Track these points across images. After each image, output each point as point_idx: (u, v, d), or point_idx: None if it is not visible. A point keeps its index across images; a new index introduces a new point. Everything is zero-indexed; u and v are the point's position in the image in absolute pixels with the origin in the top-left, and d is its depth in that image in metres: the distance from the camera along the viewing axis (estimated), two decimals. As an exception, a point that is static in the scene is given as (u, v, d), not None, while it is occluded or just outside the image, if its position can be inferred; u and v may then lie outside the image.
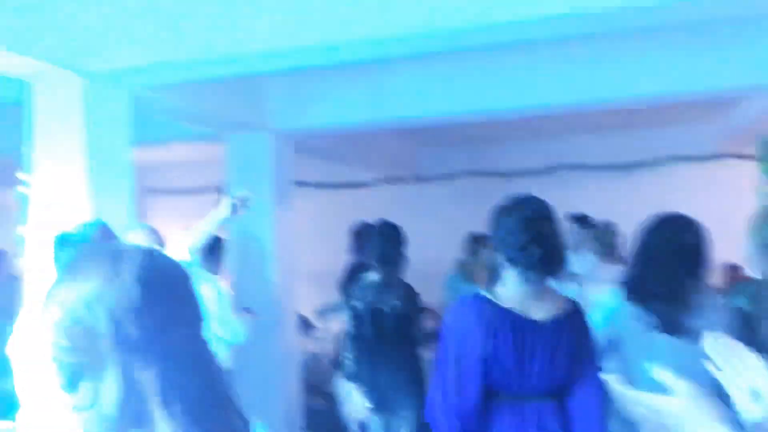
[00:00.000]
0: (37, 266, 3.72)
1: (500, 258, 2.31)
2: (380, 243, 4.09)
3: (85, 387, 0.82)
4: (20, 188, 4.04)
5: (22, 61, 3.52)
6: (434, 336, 2.74)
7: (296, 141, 6.04)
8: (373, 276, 4.03)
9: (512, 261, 2.26)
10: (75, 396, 0.83)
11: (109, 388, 0.80)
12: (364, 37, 3.40)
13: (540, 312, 2.27)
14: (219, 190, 6.05)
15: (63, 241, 2.56)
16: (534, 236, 2.23)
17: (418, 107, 5.28)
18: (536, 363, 2.22)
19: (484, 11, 3.14)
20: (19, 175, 4.02)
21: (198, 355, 0.88)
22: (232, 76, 4.19)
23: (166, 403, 0.81)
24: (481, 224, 3.06)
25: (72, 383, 0.83)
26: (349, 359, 3.95)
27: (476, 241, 6.26)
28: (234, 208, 3.86)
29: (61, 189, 3.82)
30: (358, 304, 3.97)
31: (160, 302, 0.85)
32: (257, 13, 3.52)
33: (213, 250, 4.31)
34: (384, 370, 3.93)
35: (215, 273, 4.41)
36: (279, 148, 5.78)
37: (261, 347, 5.23)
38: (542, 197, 2.37)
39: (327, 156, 7.43)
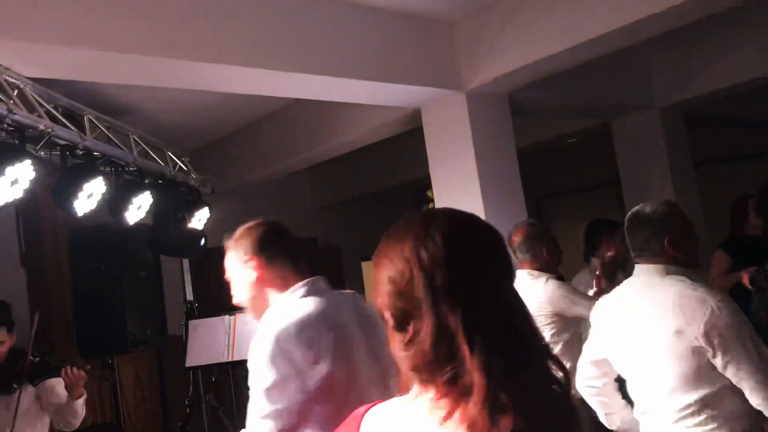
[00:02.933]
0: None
1: None
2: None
3: (410, 327, 0.96)
4: (430, 206, 4.50)
5: (412, 91, 3.94)
6: None
7: (687, 115, 5.52)
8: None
9: None
10: (404, 335, 0.97)
11: (426, 328, 0.94)
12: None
13: None
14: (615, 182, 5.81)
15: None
16: None
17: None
18: None
19: None
20: (428, 193, 4.48)
21: (501, 301, 0.98)
22: (612, 52, 3.95)
23: (469, 339, 0.92)
24: None
25: (401, 324, 0.98)
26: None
27: None
28: None
29: (458, 199, 4.13)
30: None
31: (463, 256, 0.98)
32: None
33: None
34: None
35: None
36: (668, 125, 5.35)
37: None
38: None
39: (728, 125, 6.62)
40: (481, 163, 4.05)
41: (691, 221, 2.24)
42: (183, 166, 4.26)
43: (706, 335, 1.91)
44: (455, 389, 0.92)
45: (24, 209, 5.03)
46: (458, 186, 4.15)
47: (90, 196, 3.04)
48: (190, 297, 4.54)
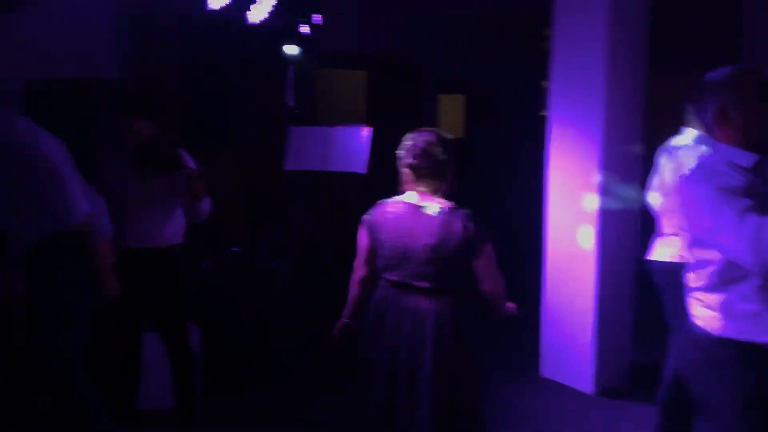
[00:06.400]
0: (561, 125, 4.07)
1: None
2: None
3: None
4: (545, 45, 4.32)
5: None
6: None
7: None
8: None
9: None
10: None
11: None
12: None
13: None
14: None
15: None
16: None
17: None
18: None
19: None
20: (545, 30, 4.27)
21: None
22: None
23: None
24: None
25: None
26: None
27: None
28: None
29: (579, 41, 3.95)
30: None
31: None
32: None
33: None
34: None
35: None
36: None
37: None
38: None
39: None
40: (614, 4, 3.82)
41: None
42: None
43: None
44: None
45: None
46: (582, 27, 3.95)
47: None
48: (291, 103, 4.57)
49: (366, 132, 4.32)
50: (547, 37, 4.31)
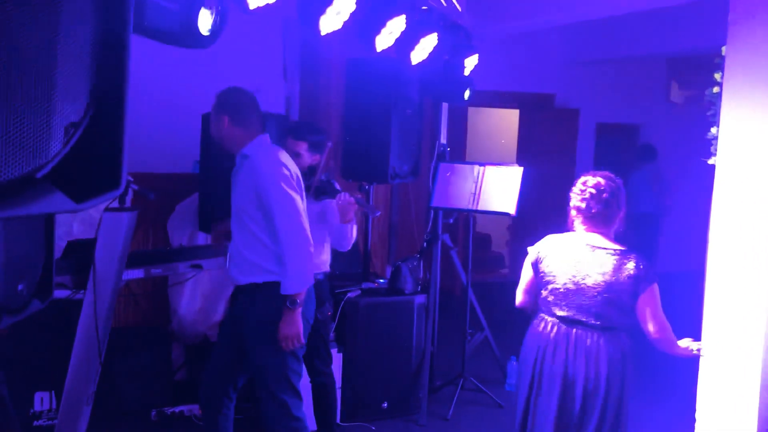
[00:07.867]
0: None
1: None
2: None
3: None
4: (714, 90, 4.06)
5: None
6: None
7: None
8: None
9: None
10: None
11: None
12: None
13: None
14: None
15: None
16: None
17: None
18: None
19: None
20: (716, 75, 4.03)
21: None
22: None
23: None
24: None
25: None
26: None
27: None
28: None
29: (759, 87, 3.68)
30: None
31: None
32: None
33: None
34: None
35: None
36: None
37: None
38: None
39: None
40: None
41: None
42: (458, 7, 4.18)
43: None
44: None
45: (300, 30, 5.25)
46: (759, 72, 3.67)
47: (390, 33, 3.09)
48: (443, 140, 4.64)
49: (518, 171, 4.27)
50: (718, 81, 4.05)
